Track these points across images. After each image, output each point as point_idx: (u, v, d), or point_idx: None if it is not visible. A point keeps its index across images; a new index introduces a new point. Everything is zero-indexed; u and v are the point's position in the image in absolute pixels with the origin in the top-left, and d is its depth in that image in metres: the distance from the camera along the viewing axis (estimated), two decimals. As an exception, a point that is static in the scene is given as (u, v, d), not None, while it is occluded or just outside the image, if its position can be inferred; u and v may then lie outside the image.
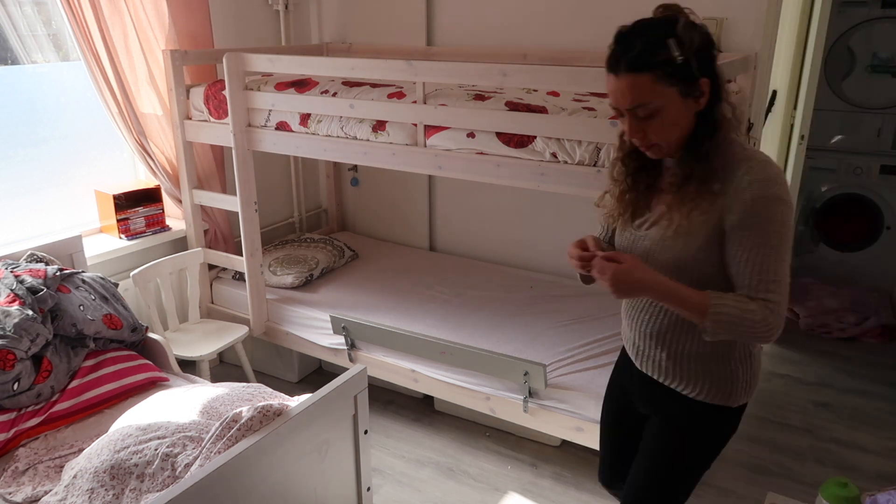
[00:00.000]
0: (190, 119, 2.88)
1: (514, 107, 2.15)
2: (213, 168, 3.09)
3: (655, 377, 1.52)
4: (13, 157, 2.66)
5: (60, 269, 2.29)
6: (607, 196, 1.51)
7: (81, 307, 2.21)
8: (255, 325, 3.00)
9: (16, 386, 1.97)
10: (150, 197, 2.96)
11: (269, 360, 3.23)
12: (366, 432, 1.83)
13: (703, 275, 1.35)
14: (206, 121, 2.84)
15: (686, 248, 1.35)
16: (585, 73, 2.12)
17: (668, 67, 1.23)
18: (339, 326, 2.76)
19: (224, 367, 3.29)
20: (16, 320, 2.00)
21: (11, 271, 2.18)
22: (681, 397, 1.49)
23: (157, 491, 1.64)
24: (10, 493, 1.79)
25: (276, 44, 3.45)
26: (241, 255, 2.92)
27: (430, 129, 2.33)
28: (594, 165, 2.06)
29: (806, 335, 3.64)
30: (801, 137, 3.29)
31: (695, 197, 1.31)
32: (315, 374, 3.28)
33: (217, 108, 2.76)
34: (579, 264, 1.39)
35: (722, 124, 1.30)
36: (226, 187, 3.15)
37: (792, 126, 3.60)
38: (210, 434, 1.66)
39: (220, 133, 2.78)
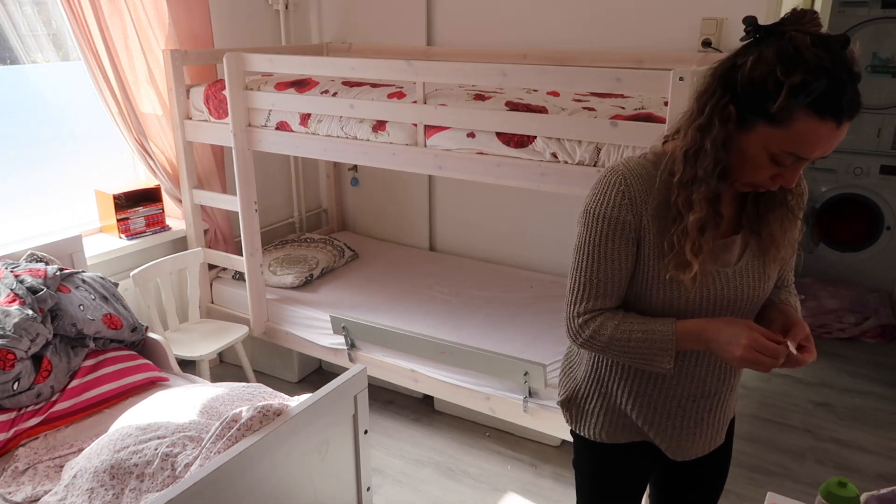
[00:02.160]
0: (190, 119, 2.88)
1: (514, 107, 2.15)
2: (213, 168, 3.09)
3: (727, 422, 1.39)
4: (13, 156, 2.66)
5: (60, 269, 2.29)
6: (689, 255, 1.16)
7: (81, 307, 2.21)
8: (255, 325, 3.00)
9: (16, 386, 1.97)
10: (150, 197, 2.96)
11: (269, 360, 3.23)
12: (366, 432, 1.83)
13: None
14: (206, 121, 2.84)
15: (780, 265, 1.27)
16: (585, 73, 2.13)
17: None
18: (339, 326, 2.76)
19: (224, 367, 3.29)
20: (16, 320, 2.00)
21: (11, 271, 2.18)
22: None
23: (157, 491, 1.64)
24: (10, 493, 1.79)
25: (276, 44, 3.45)
26: (241, 255, 2.92)
27: (430, 129, 2.33)
28: (594, 165, 2.06)
29: (806, 335, 3.64)
30: (801, 137, 3.28)
31: (793, 209, 1.21)
32: (315, 374, 3.28)
33: (217, 108, 2.76)
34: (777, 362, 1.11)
35: None
36: (226, 187, 3.15)
37: (792, 126, 3.60)
38: (210, 434, 1.66)
39: (220, 133, 2.78)
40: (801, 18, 1.02)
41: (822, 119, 0.99)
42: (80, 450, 1.93)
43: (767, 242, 1.20)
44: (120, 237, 2.88)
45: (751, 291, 1.22)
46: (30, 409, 2.02)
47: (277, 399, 1.93)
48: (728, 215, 1.20)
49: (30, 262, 2.34)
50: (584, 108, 2.12)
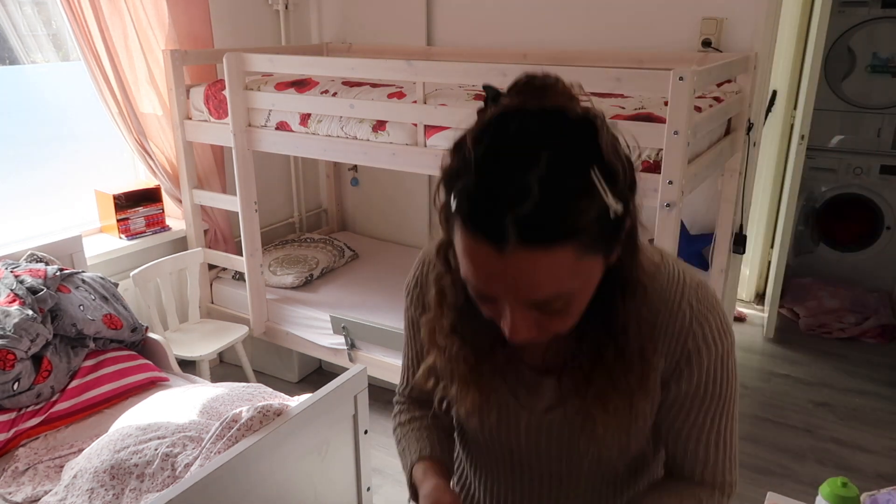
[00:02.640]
0: (190, 119, 2.88)
1: (514, 107, 2.15)
2: (213, 168, 3.09)
3: None
4: (13, 156, 2.66)
5: (60, 269, 2.29)
6: (432, 369, 0.92)
7: (81, 307, 2.21)
8: (255, 325, 3.00)
9: (16, 386, 1.97)
10: (150, 197, 2.96)
11: (269, 360, 3.23)
12: (366, 432, 1.83)
13: (634, 451, 0.96)
14: (206, 121, 2.84)
15: (623, 435, 0.90)
16: (585, 73, 2.13)
17: (599, 226, 0.66)
18: (339, 326, 2.76)
19: (224, 367, 3.29)
20: (16, 320, 1.99)
21: (11, 271, 2.18)
22: None
23: (157, 491, 1.64)
24: (10, 493, 1.79)
25: (276, 44, 3.45)
26: (241, 255, 2.92)
27: (430, 129, 2.33)
28: (594, 165, 2.06)
29: (806, 335, 3.64)
30: (801, 137, 3.29)
31: (631, 378, 0.82)
32: (315, 374, 3.28)
33: (217, 108, 2.76)
34: None
35: (642, 265, 0.79)
36: (226, 187, 3.15)
37: (792, 126, 3.60)
38: (210, 434, 1.66)
39: (220, 133, 2.78)
40: (534, 85, 0.70)
41: (474, 236, 0.65)
42: (80, 450, 1.93)
43: (588, 412, 0.85)
44: (120, 237, 2.88)
45: (563, 451, 0.93)
46: (30, 409, 2.02)
47: (277, 399, 1.94)
48: (553, 353, 0.88)
49: (30, 262, 2.34)
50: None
